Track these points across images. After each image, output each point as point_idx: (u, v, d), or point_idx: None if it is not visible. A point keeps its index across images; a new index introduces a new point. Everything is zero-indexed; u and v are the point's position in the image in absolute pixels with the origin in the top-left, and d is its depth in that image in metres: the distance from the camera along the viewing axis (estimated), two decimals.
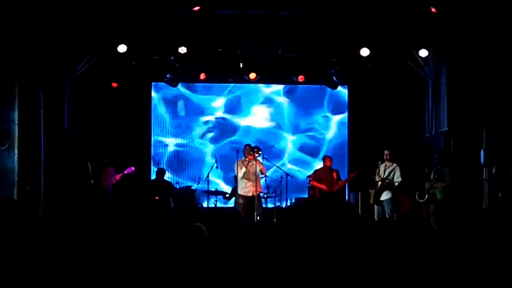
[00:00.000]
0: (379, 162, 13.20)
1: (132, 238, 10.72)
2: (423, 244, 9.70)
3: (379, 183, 13.12)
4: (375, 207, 13.16)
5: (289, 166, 16.20)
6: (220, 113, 16.40)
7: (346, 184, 14.80)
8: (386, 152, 13.25)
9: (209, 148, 16.33)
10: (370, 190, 13.29)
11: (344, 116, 16.42)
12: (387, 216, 12.95)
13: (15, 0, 11.01)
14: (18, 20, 11.19)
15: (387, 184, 13.08)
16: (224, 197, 15.14)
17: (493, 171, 11.90)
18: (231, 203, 14.73)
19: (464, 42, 12.73)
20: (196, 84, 16.14)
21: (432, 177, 12.23)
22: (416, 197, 12.39)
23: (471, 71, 12.71)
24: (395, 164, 13.18)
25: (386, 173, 13.10)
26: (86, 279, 7.04)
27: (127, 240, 10.24)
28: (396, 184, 13.09)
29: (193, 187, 14.77)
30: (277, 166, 14.74)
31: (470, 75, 12.75)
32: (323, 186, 13.57)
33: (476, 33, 12.36)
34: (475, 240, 10.07)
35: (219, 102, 16.39)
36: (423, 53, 13.83)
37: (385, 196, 13.15)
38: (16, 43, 11.23)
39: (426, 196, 12.21)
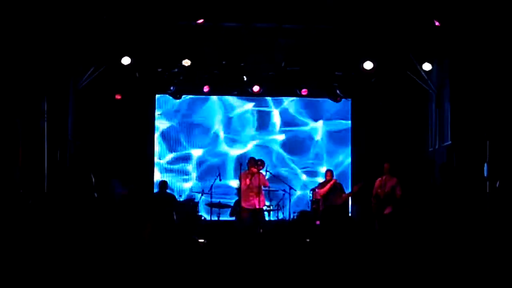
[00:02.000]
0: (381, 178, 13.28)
1: (133, 251, 10.69)
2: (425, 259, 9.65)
3: (381, 197, 13.12)
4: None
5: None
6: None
7: (350, 197, 14.77)
8: (385, 165, 13.27)
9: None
10: (373, 201, 13.32)
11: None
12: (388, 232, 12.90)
13: (20, 13, 11.07)
14: (23, 33, 11.24)
15: (390, 198, 13.08)
16: (231, 214, 15.06)
17: (497, 184, 11.87)
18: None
19: (467, 55, 12.74)
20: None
21: None
22: None
23: (475, 84, 12.71)
24: (395, 179, 13.18)
25: (387, 188, 13.10)
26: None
27: (129, 252, 10.20)
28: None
29: (196, 200, 14.76)
30: (281, 179, 14.74)
31: (474, 88, 12.75)
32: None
33: (479, 46, 12.38)
34: (479, 253, 10.02)
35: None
36: (427, 66, 13.83)
37: (388, 210, 13.16)
38: (20, 55, 11.29)
39: None
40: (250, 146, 16.27)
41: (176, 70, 14.53)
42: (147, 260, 8.81)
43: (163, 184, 14.01)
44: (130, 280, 7.54)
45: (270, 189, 14.21)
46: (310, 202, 14.73)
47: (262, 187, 13.09)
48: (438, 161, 14.09)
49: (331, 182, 13.75)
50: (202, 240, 11.74)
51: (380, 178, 13.38)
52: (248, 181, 12.90)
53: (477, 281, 7.75)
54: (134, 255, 9.41)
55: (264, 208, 13.66)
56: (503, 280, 7.71)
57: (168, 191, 14.37)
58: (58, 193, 12.55)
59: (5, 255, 8.83)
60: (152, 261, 8.83)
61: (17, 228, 10.51)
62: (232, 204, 15.04)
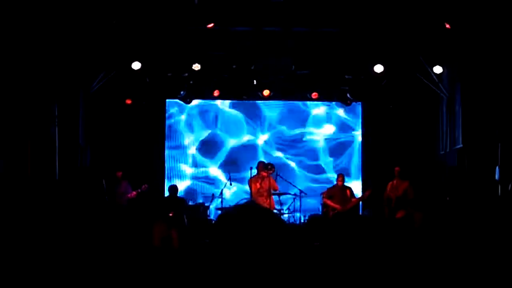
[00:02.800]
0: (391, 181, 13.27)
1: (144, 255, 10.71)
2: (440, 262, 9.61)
3: (393, 201, 13.09)
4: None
5: None
6: None
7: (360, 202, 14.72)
8: (396, 169, 13.25)
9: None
10: (385, 206, 13.26)
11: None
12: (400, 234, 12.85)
13: (31, 19, 11.12)
14: (34, 38, 11.29)
15: (402, 202, 13.05)
16: None
17: (509, 187, 11.80)
18: None
19: (478, 58, 12.68)
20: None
21: None
22: None
23: (486, 88, 12.65)
24: (407, 182, 13.14)
25: (399, 191, 13.07)
26: None
27: (139, 257, 10.22)
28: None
29: (206, 204, 14.76)
30: (291, 183, 14.71)
31: (485, 92, 12.69)
32: (337, 206, 13.46)
33: (490, 49, 12.32)
34: (491, 257, 9.97)
35: None
36: (438, 69, 13.79)
37: (400, 214, 13.12)
38: (31, 60, 11.33)
39: None
40: None
41: (186, 74, 14.54)
42: (156, 261, 8.81)
43: (174, 188, 13.99)
44: (138, 280, 7.54)
45: (280, 192, 14.18)
46: (320, 206, 14.69)
47: (272, 191, 13.07)
48: (449, 164, 14.02)
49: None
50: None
51: (391, 182, 13.36)
52: (258, 185, 12.88)
53: (489, 283, 7.71)
54: (143, 256, 9.41)
55: (275, 212, 13.64)
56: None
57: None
58: (70, 197, 12.59)
59: (16, 259, 8.86)
60: (161, 262, 8.83)
61: (28, 231, 10.55)
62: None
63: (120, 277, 8.00)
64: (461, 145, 13.42)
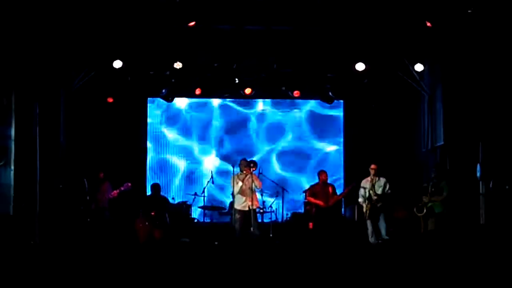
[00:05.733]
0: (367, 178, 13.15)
1: (126, 255, 10.66)
2: (424, 261, 9.68)
3: (375, 198, 13.08)
4: (368, 222, 13.00)
5: None
6: None
7: (342, 198, 14.70)
8: (372, 166, 13.09)
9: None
10: (363, 204, 13.17)
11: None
12: (383, 233, 12.84)
13: (11, 16, 11.04)
14: (15, 36, 11.21)
15: (383, 200, 13.06)
16: (220, 213, 15.13)
17: (490, 185, 11.89)
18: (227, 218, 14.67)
19: (459, 56, 12.76)
20: None
21: (430, 191, 12.22)
22: (415, 211, 12.32)
23: (467, 85, 12.74)
24: (383, 179, 13.04)
25: (378, 189, 13.01)
26: None
27: (123, 257, 10.18)
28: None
29: (188, 203, 14.72)
30: (273, 181, 14.71)
31: (466, 89, 12.78)
32: (319, 202, 13.44)
33: (471, 47, 12.41)
34: (473, 255, 10.05)
35: None
36: (419, 67, 13.85)
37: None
38: (12, 58, 11.25)
39: (425, 210, 12.18)
40: None
41: (168, 73, 14.49)
42: (140, 260, 8.77)
43: (156, 186, 13.94)
44: (123, 279, 7.52)
45: (263, 190, 14.15)
46: (303, 204, 14.71)
47: (255, 188, 13.02)
48: (430, 162, 14.09)
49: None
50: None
51: (365, 179, 13.16)
52: (240, 183, 12.84)
53: (472, 280, 7.76)
54: (127, 255, 9.36)
55: (257, 209, 13.60)
56: (496, 278, 7.73)
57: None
58: (51, 196, 12.53)
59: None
60: (145, 261, 8.78)
61: (9, 231, 10.47)
62: (224, 206, 15.11)
63: (104, 276, 7.96)
64: (442, 143, 13.50)
